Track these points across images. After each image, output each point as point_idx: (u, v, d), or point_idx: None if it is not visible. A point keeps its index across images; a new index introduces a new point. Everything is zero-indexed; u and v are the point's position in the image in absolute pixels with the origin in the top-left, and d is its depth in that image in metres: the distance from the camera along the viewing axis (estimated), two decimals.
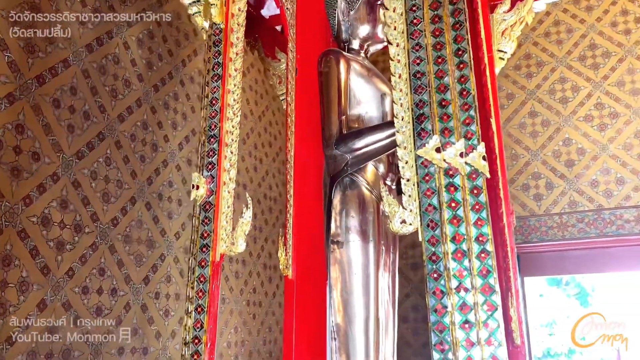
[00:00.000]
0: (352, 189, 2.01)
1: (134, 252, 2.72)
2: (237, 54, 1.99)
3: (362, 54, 2.30)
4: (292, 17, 2.62)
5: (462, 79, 1.58)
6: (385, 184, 2.10)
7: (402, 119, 1.57)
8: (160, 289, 2.89)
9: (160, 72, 3.12)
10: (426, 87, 1.55)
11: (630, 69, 4.36)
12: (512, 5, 2.37)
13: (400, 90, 1.59)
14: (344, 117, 2.01)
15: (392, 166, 2.17)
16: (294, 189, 2.44)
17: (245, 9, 2.07)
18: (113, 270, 2.57)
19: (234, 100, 1.94)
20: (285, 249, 2.32)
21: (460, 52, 1.61)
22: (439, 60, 1.59)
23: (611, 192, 4.19)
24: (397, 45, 1.63)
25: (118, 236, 2.64)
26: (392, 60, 1.63)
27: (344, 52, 2.16)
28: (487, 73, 2.01)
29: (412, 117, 1.54)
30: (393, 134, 1.85)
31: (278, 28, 2.82)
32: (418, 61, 1.59)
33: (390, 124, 1.94)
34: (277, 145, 4.56)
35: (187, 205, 3.22)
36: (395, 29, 1.64)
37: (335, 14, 2.26)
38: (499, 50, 2.37)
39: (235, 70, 1.97)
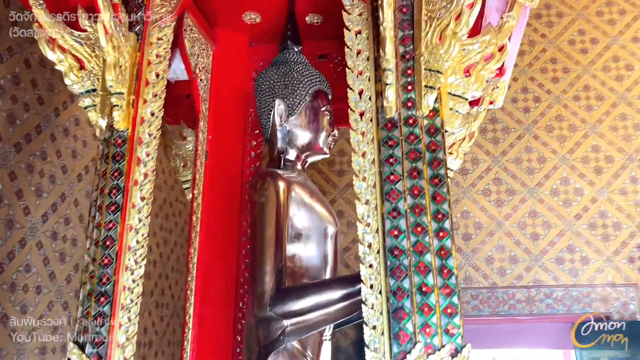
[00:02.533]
0: (282, 353, 1.57)
1: None
2: (146, 175, 1.47)
3: (300, 166, 1.86)
4: (205, 90, 2.15)
5: (443, 252, 1.27)
6: (322, 340, 1.70)
7: (373, 308, 1.20)
8: None
9: (26, 126, 2.48)
10: (406, 270, 1.21)
11: (527, 147, 4.44)
12: None
13: (370, 266, 1.23)
14: (282, 265, 1.57)
15: None
16: (194, 309, 1.98)
17: (162, 114, 1.56)
18: None
19: (138, 242, 1.43)
20: None
21: (440, 217, 1.29)
22: (419, 229, 1.25)
23: (505, 271, 4.20)
24: (367, 203, 1.27)
25: None
26: (360, 222, 1.26)
27: (281, 174, 1.69)
28: None
29: (388, 310, 1.19)
30: (348, 296, 1.46)
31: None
32: (396, 232, 1.23)
33: (343, 282, 1.54)
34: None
35: (48, 292, 2.59)
36: (364, 180, 1.28)
37: (270, 116, 1.82)
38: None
39: (142, 199, 1.46)
